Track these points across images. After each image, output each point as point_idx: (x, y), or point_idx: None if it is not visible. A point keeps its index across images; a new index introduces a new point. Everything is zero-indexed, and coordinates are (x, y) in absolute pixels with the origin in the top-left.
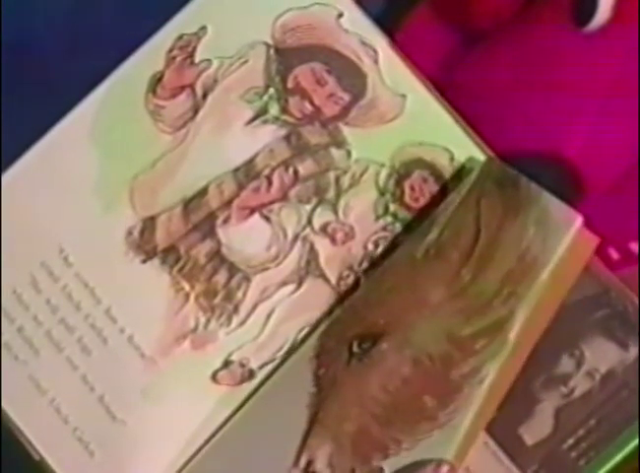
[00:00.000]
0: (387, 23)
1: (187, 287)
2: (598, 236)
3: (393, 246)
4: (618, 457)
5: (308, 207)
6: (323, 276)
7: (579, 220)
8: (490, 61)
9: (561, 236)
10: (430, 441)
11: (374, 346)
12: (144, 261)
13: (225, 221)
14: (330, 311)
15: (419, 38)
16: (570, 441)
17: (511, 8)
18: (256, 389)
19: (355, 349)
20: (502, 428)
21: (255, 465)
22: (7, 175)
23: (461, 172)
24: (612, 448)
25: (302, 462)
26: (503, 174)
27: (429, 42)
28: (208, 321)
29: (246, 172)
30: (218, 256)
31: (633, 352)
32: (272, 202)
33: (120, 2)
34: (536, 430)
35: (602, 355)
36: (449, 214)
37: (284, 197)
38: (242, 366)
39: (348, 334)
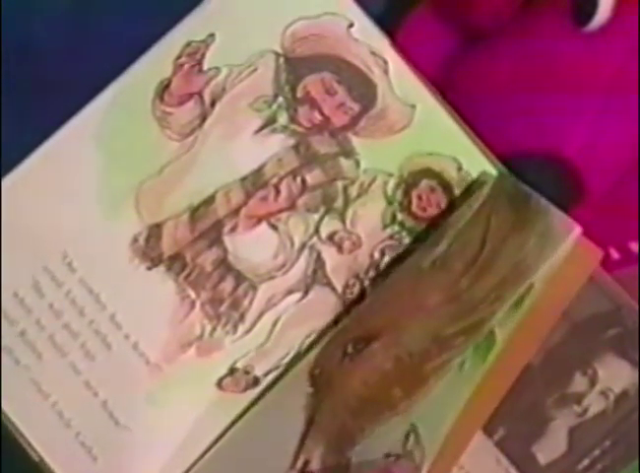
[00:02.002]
0: (387, 22)
1: (193, 294)
2: (597, 236)
3: (399, 255)
4: None
5: (316, 216)
6: (329, 285)
7: (577, 229)
8: (490, 61)
9: (557, 245)
10: (385, 429)
11: (367, 346)
12: (149, 268)
13: (233, 229)
14: (336, 320)
15: (419, 38)
16: (585, 462)
17: (511, 8)
18: (259, 396)
19: (350, 350)
20: (515, 445)
21: (256, 470)
22: (8, 179)
23: (471, 184)
24: (630, 471)
25: (299, 463)
26: (515, 191)
27: (429, 42)
28: (214, 329)
29: (254, 181)
30: (224, 264)
31: None
32: (279, 211)
33: (122, 3)
34: (549, 449)
35: (615, 374)
36: (459, 228)
37: (291, 206)
38: (247, 373)
39: (347, 337)
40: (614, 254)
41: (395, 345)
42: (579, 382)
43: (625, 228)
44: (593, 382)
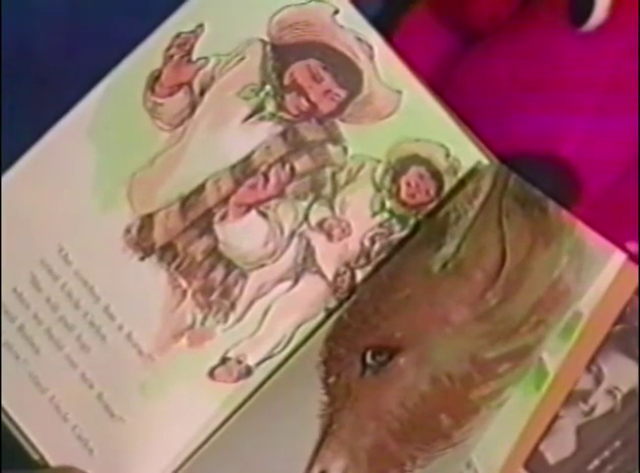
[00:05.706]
0: (385, 23)
1: (184, 284)
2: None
3: (389, 243)
4: None
5: (305, 203)
6: (320, 272)
7: (619, 254)
8: (488, 61)
9: (598, 270)
10: (444, 460)
11: (390, 360)
12: (142, 258)
13: (223, 217)
14: (328, 310)
15: (417, 39)
16: (596, 463)
17: (508, 8)
18: (257, 389)
19: (370, 360)
20: None
21: (259, 466)
22: (7, 175)
23: (466, 175)
24: None
25: (315, 472)
26: (525, 193)
27: (427, 43)
28: (205, 318)
29: (243, 169)
30: (215, 253)
31: None
32: (269, 198)
33: (119, 1)
34: (558, 447)
35: (621, 372)
36: (466, 227)
37: (280, 194)
38: (239, 362)
39: (359, 343)
40: None
41: (425, 362)
42: (584, 380)
43: (624, 228)
44: (598, 380)
